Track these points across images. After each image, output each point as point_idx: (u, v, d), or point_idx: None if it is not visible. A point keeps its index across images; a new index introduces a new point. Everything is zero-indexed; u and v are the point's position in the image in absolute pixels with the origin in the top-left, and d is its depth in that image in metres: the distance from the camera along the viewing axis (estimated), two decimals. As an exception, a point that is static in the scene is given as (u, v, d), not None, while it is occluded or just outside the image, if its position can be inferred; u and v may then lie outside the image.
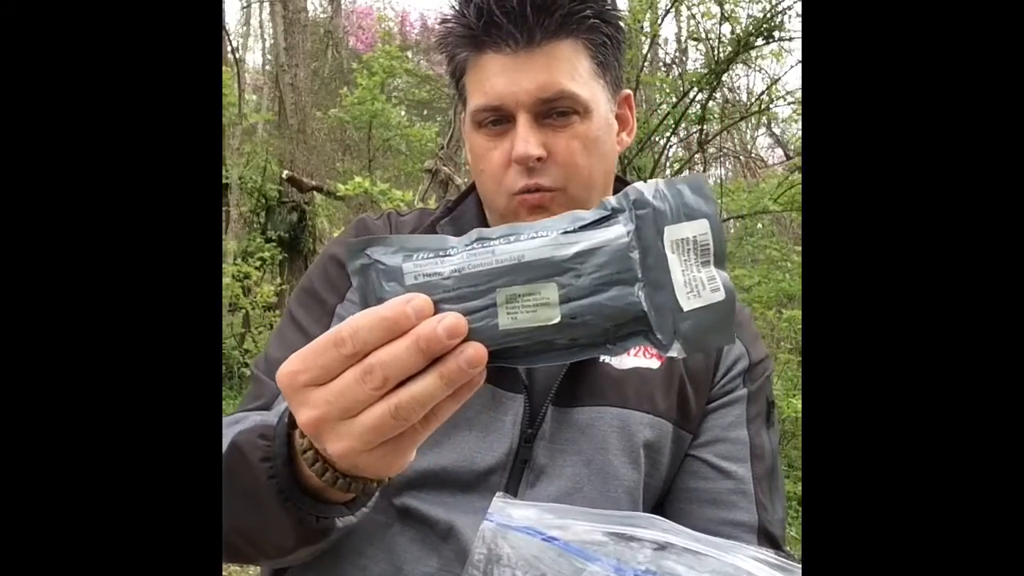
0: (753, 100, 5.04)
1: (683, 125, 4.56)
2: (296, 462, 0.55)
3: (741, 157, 7.48)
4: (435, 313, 0.44)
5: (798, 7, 3.80)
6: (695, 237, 0.45)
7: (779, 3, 3.94)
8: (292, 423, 0.56)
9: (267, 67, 9.91)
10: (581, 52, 0.77)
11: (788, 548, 0.86)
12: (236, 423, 0.66)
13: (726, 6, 4.13)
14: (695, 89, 4.30)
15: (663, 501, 0.84)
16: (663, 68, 5.84)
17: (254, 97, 8.88)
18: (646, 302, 0.44)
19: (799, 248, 4.92)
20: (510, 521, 0.50)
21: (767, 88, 4.71)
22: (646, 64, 4.98)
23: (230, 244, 6.26)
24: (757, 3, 4.13)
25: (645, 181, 0.47)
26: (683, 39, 6.04)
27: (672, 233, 0.45)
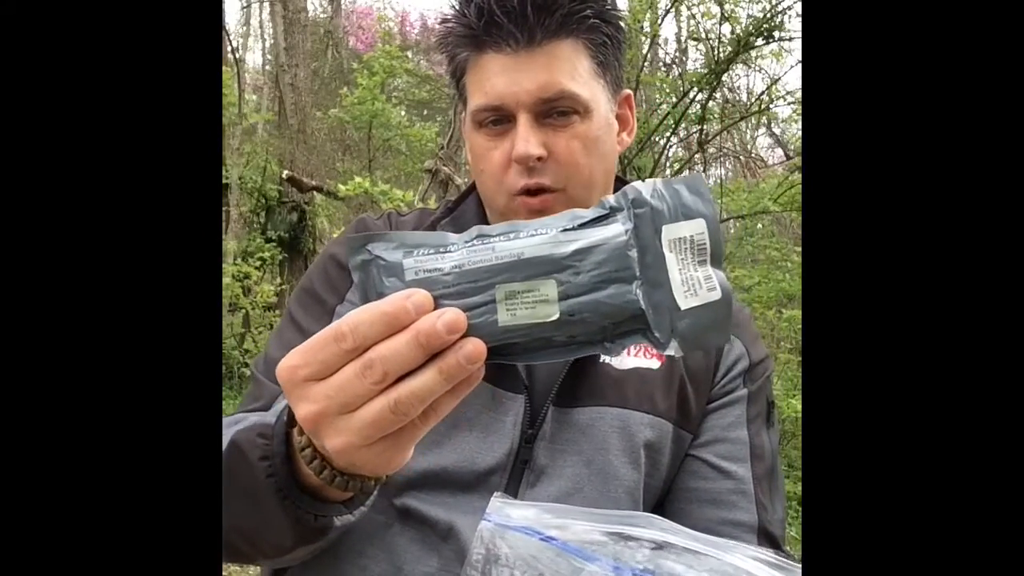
0: (753, 100, 5.04)
1: (683, 125, 4.55)
2: (295, 460, 0.55)
3: (741, 157, 7.48)
4: (435, 309, 0.44)
5: (798, 7, 3.80)
6: (692, 236, 0.45)
7: (779, 3, 3.94)
8: (291, 422, 0.56)
9: (267, 67, 9.92)
10: (581, 52, 0.77)
11: (788, 548, 0.86)
12: (235, 423, 0.66)
13: (726, 6, 4.13)
14: (695, 89, 4.30)
15: (663, 501, 0.84)
16: (663, 68, 5.84)
17: (254, 97, 8.88)
18: (644, 300, 0.45)
19: (799, 248, 4.92)
20: (508, 521, 0.50)
21: (767, 88, 4.71)
22: (646, 64, 4.98)
23: (230, 244, 6.26)
24: (757, 3, 4.13)
25: (644, 181, 0.47)
26: (683, 39, 6.04)
27: (670, 232, 0.45)
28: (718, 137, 5.50)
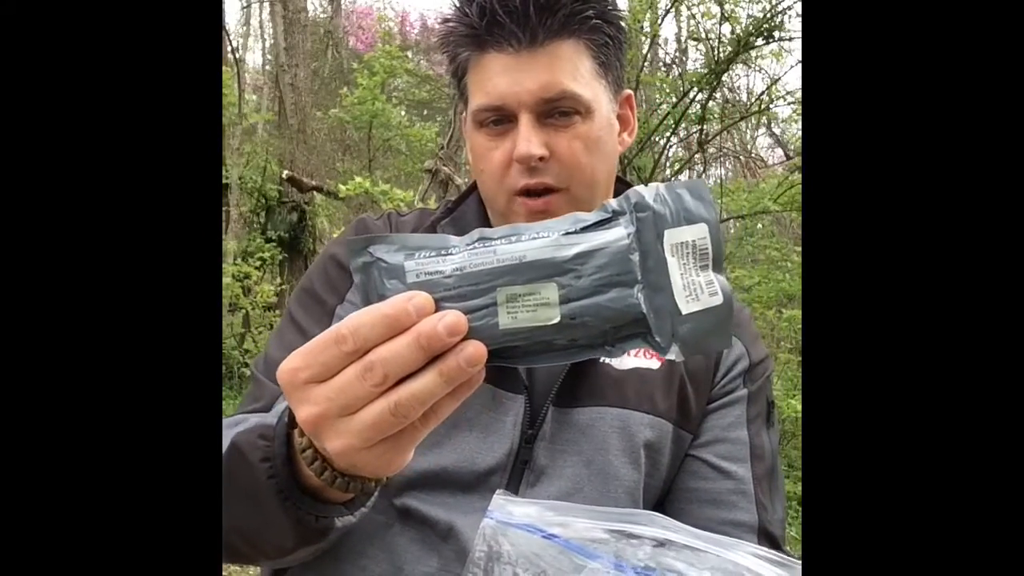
0: (753, 100, 5.04)
1: (683, 125, 4.55)
2: (295, 462, 0.55)
3: (741, 157, 7.48)
4: (436, 311, 0.44)
5: (798, 7, 3.80)
6: (694, 241, 0.45)
7: (779, 3, 3.94)
8: (291, 423, 0.56)
9: (267, 67, 9.91)
10: (583, 52, 0.77)
11: (788, 548, 0.86)
12: (236, 425, 0.66)
13: (726, 6, 4.13)
14: (695, 89, 4.30)
15: (663, 501, 0.84)
16: (663, 68, 5.84)
17: (254, 97, 8.88)
18: (645, 304, 0.45)
19: (799, 248, 4.92)
20: (510, 518, 0.50)
21: (767, 88, 4.71)
22: (646, 64, 4.98)
23: (230, 244, 6.26)
24: (757, 3, 4.13)
25: (645, 181, 0.47)
26: (683, 39, 6.04)
27: (672, 237, 0.45)
28: (718, 137, 5.50)
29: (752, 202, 4.71)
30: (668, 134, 4.71)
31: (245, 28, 10.48)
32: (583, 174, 0.78)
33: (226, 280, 5.68)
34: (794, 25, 3.94)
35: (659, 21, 4.56)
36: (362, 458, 0.47)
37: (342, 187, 4.41)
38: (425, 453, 0.75)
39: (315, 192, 6.55)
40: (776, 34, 4.01)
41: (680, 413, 0.83)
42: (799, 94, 4.30)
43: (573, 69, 0.76)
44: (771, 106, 4.82)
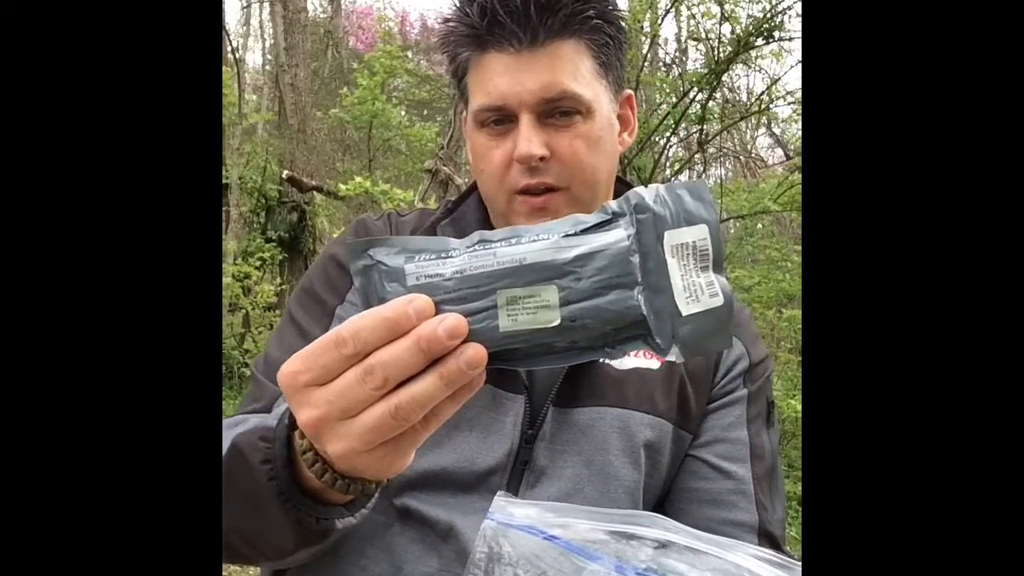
0: (753, 100, 5.04)
1: (683, 125, 4.55)
2: (296, 463, 0.55)
3: (741, 157, 7.48)
4: (436, 314, 0.44)
5: (798, 7, 3.80)
6: (694, 242, 0.45)
7: (779, 3, 3.94)
8: (292, 424, 0.56)
9: (267, 67, 9.92)
10: (584, 52, 0.77)
11: (788, 548, 0.86)
12: (236, 425, 0.66)
13: (726, 6, 4.13)
14: (695, 89, 4.30)
15: (663, 501, 0.84)
16: (663, 68, 5.84)
17: (254, 97, 8.88)
18: (645, 306, 0.45)
19: (799, 248, 4.92)
20: (511, 520, 0.50)
21: (767, 88, 4.71)
22: (646, 64, 4.98)
23: (230, 244, 6.26)
24: (757, 3, 4.13)
25: (645, 181, 0.47)
26: (683, 39, 6.04)
27: (672, 238, 0.45)
28: (718, 137, 5.50)
29: (752, 202, 4.71)
30: (668, 134, 4.71)
31: (245, 28, 10.49)
32: (584, 174, 0.78)
33: (226, 280, 5.68)
34: (794, 25, 3.94)
35: (659, 21, 4.57)
36: (363, 461, 0.47)
37: (342, 187, 4.41)
38: (425, 453, 0.75)
39: (315, 192, 6.55)
40: (776, 34, 4.01)
41: (680, 413, 0.83)
42: (799, 94, 4.30)
43: (574, 69, 0.76)
44: (771, 106, 4.83)
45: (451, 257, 0.46)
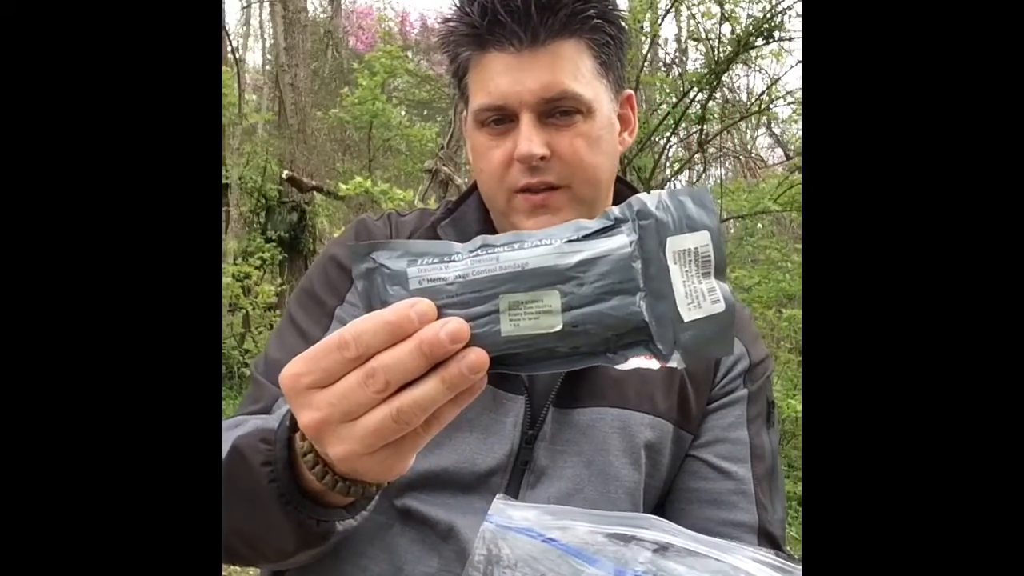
0: (753, 100, 5.04)
1: (683, 125, 4.56)
2: (297, 466, 0.55)
3: (741, 157, 7.48)
4: (438, 318, 0.44)
5: (798, 7, 3.80)
6: (696, 248, 0.46)
7: (779, 3, 3.94)
8: (293, 427, 0.56)
9: (267, 67, 9.92)
10: (584, 52, 0.77)
11: (788, 548, 0.86)
12: (236, 427, 0.66)
13: (726, 6, 4.13)
14: (695, 89, 4.30)
15: (663, 502, 0.84)
16: (663, 68, 5.84)
17: (254, 97, 8.89)
18: (647, 312, 0.45)
19: (799, 248, 4.92)
20: (510, 522, 0.50)
21: (767, 88, 4.71)
22: (646, 64, 4.98)
23: (230, 244, 6.26)
24: (757, 3, 4.13)
25: (645, 181, 0.47)
26: (683, 39, 6.04)
27: (674, 244, 0.45)
28: (718, 137, 5.50)
29: (752, 202, 4.71)
30: (668, 134, 4.71)
31: (245, 28, 10.50)
32: (585, 173, 0.78)
33: (226, 280, 5.68)
34: (794, 25, 3.94)
35: (659, 21, 4.57)
36: (364, 463, 0.47)
37: (342, 187, 4.41)
38: (426, 454, 0.75)
39: (315, 192, 6.55)
40: (776, 34, 4.01)
41: (680, 413, 0.83)
42: (799, 94, 4.30)
43: (574, 69, 0.76)
44: (771, 106, 4.83)
45: (454, 261, 0.46)
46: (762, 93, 4.81)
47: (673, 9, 4.67)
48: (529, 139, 0.75)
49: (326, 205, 7.35)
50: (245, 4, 9.78)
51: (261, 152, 7.47)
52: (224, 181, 6.22)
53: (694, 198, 0.46)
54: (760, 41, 4.09)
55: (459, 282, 0.45)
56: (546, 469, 0.78)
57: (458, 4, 0.79)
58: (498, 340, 0.44)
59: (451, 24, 0.80)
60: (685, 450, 0.84)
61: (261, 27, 10.53)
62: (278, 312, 6.37)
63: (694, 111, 4.38)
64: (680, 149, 5.67)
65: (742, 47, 4.06)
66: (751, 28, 4.02)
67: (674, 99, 4.45)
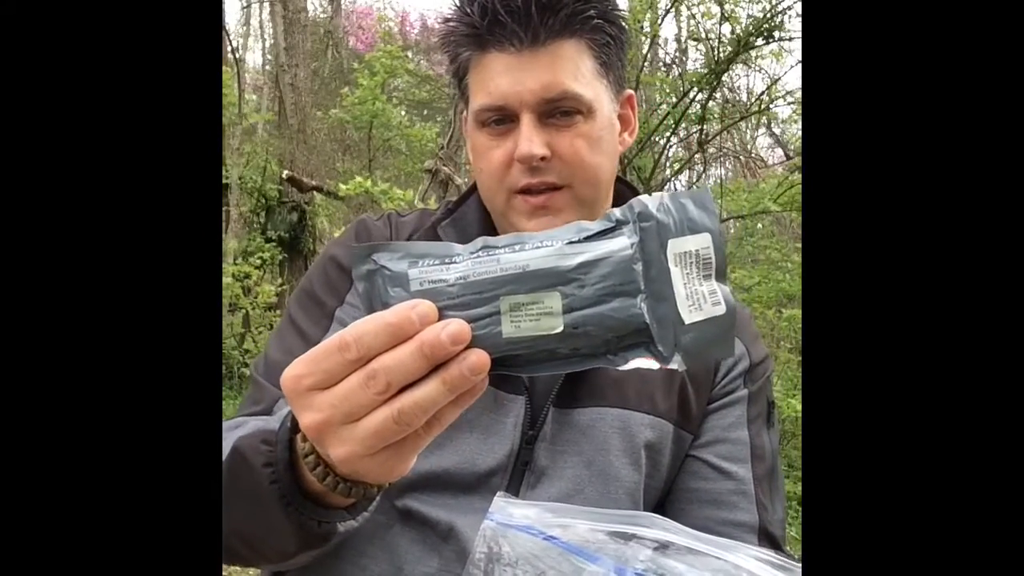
0: (753, 100, 5.04)
1: (683, 125, 4.55)
2: (298, 467, 0.55)
3: (741, 157, 7.48)
4: (439, 319, 0.44)
5: (798, 7, 3.80)
6: (697, 251, 0.46)
7: (779, 3, 3.94)
8: (294, 428, 0.56)
9: (267, 67, 9.92)
10: (585, 52, 0.77)
11: (788, 548, 0.86)
12: (236, 428, 0.66)
13: (726, 6, 4.13)
14: (695, 89, 4.30)
15: (663, 502, 0.84)
16: (663, 68, 5.84)
17: (254, 97, 8.89)
18: (648, 314, 0.45)
19: (799, 248, 4.92)
20: (511, 520, 0.50)
21: (767, 88, 4.71)
22: (646, 64, 4.98)
23: (230, 244, 6.26)
24: (757, 3, 4.13)
25: (645, 181, 0.47)
26: (683, 39, 6.04)
27: (675, 246, 0.45)
28: (718, 137, 5.49)
29: (752, 202, 4.71)
30: (668, 134, 4.71)
31: (245, 28, 10.50)
32: (586, 173, 0.78)
33: (226, 280, 5.68)
34: (794, 25, 3.94)
35: (659, 21, 4.57)
36: (365, 465, 0.47)
37: (342, 187, 4.41)
38: (426, 455, 0.75)
39: (315, 192, 6.55)
40: (776, 34, 4.01)
41: (680, 413, 0.83)
42: (799, 94, 4.30)
43: (575, 69, 0.76)
44: (771, 106, 4.83)
45: (455, 263, 0.46)
46: (762, 93, 4.81)
47: (673, 9, 4.67)
48: (529, 139, 0.75)
49: (326, 205, 7.35)
50: (245, 4, 9.78)
51: (261, 152, 7.47)
52: (224, 181, 6.22)
53: (695, 200, 0.46)
54: (760, 41, 4.09)
55: (460, 284, 0.45)
56: (546, 469, 0.78)
57: (458, 4, 0.79)
58: (499, 342, 0.44)
59: (451, 24, 0.80)
60: (685, 450, 0.84)
61: (261, 27, 10.55)
62: (278, 312, 6.37)
63: (694, 111, 4.38)
64: (680, 149, 5.67)
65: (742, 47, 4.06)
66: (751, 28, 4.02)
67: (674, 99, 4.45)
